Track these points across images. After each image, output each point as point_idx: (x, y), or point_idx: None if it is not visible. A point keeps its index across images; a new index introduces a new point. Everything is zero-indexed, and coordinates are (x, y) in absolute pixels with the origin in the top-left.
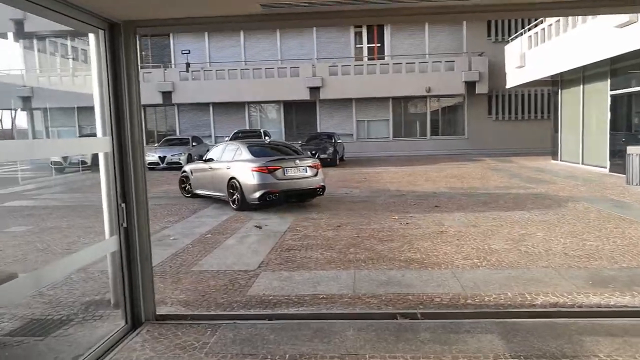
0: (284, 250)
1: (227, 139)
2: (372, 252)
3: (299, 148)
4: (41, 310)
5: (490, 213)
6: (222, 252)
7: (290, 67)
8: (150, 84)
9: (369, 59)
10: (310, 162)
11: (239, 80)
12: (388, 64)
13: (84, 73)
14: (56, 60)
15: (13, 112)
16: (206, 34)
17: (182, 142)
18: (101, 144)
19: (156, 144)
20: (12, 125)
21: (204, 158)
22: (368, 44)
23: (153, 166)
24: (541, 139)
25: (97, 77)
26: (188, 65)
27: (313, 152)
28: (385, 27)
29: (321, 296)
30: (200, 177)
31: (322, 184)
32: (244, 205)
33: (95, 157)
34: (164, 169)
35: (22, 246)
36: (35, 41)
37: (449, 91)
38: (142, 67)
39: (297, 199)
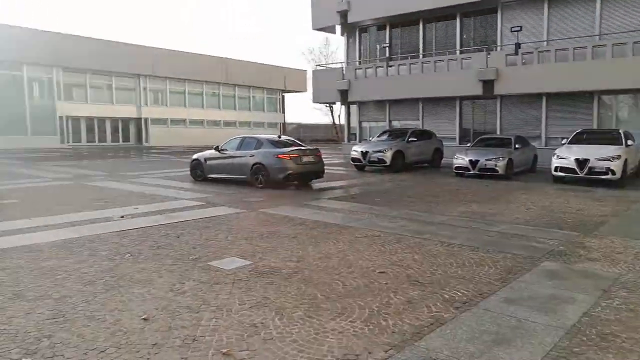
0: None
1: (564, 141)
2: None
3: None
4: None
5: None
6: None
7: None
8: (468, 72)
9: None
10: (316, 152)
11: (588, 61)
12: None
13: (397, 62)
14: (375, 49)
15: (330, 107)
16: (546, 3)
17: (502, 142)
18: None
19: (469, 144)
20: (334, 120)
21: (219, 149)
22: None
23: (462, 172)
24: None
25: None
26: (518, 45)
27: None
28: None
29: None
30: (215, 164)
31: (323, 168)
32: (268, 184)
33: None
34: (474, 175)
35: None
36: (357, 32)
37: None
38: (460, 52)
39: (307, 179)
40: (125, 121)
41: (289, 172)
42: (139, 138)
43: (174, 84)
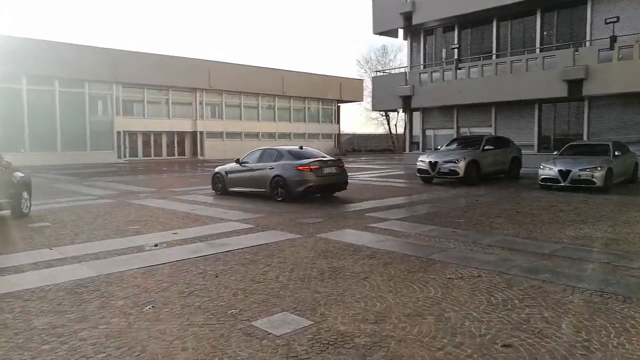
0: None
1: None
2: None
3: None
4: None
5: None
6: None
7: None
8: (550, 72)
9: None
10: (338, 163)
11: None
12: None
13: (467, 64)
14: (441, 52)
15: (387, 116)
16: None
17: (596, 150)
18: None
19: (555, 152)
20: (390, 128)
21: (240, 161)
22: None
23: (550, 184)
24: None
25: None
26: (613, 39)
27: None
28: None
29: None
30: (236, 177)
31: (347, 180)
32: (288, 197)
33: None
34: (565, 188)
35: None
36: (422, 35)
37: None
38: (541, 50)
39: (329, 192)
40: (181, 135)
41: (309, 184)
42: (194, 151)
43: (229, 97)
